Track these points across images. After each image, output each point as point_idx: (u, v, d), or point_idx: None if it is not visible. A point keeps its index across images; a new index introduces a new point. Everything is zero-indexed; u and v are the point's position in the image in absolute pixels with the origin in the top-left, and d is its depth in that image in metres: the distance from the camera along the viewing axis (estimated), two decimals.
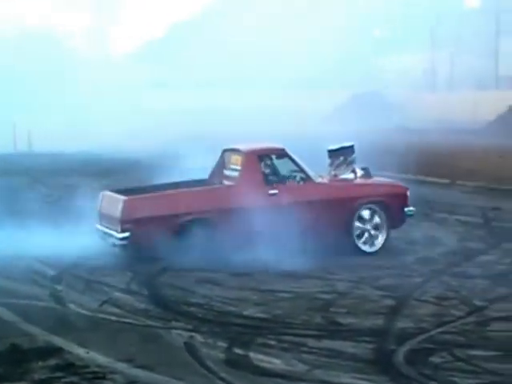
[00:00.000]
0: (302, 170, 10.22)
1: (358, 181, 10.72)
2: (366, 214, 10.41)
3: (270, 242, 9.46)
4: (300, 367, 6.27)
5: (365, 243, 10.39)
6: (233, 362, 6.43)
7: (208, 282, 9.07)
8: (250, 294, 8.63)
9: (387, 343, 6.80)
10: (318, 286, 8.93)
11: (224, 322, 7.57)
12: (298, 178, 10.28)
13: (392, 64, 42.69)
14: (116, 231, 9.55)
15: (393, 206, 10.43)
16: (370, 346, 6.75)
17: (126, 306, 8.13)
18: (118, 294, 8.58)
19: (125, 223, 9.43)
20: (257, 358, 6.51)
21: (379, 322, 7.44)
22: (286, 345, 6.84)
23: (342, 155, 10.72)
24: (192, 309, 8.04)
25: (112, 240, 9.68)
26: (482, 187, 15.79)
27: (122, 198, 9.73)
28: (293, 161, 10.21)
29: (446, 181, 16.73)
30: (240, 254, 9.38)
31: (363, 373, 6.11)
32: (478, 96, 37.71)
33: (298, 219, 9.69)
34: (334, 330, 7.30)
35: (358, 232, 10.33)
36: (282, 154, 10.25)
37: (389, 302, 8.18)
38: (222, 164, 10.59)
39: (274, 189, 10.00)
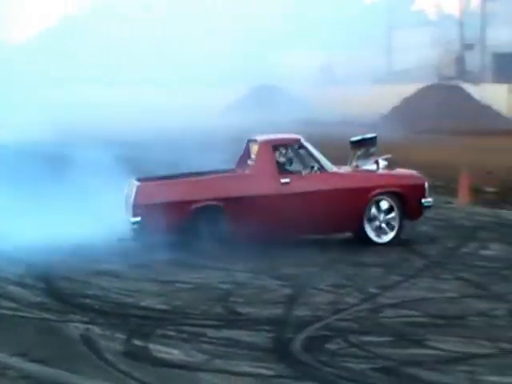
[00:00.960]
0: (316, 160, 10.36)
1: (374, 171, 10.57)
2: (382, 204, 10.26)
3: (279, 230, 9.92)
4: (199, 357, 6.30)
5: (376, 234, 10.27)
6: (131, 354, 6.41)
7: (106, 274, 8.99)
8: (150, 285, 8.61)
9: (285, 331, 6.91)
10: (219, 276, 8.99)
11: (123, 314, 7.53)
12: (314, 168, 10.37)
13: (290, 59, 43.18)
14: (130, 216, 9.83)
15: (409, 198, 10.28)
16: (269, 334, 6.84)
17: (22, 299, 7.97)
18: (12, 288, 8.39)
19: (137, 208, 9.72)
20: (156, 349, 6.51)
21: (278, 311, 7.56)
22: (185, 335, 6.87)
23: (363, 146, 10.70)
24: (89, 301, 7.96)
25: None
26: None
27: (136, 183, 9.99)
28: (307, 151, 10.38)
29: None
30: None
31: (261, 361, 6.19)
32: (374, 90, 38.60)
33: (308, 208, 10.04)
34: (234, 320, 7.37)
35: (370, 222, 10.22)
36: (297, 144, 10.41)
37: (287, 291, 8.31)
38: (246, 153, 10.73)
39: (286, 178, 10.15)
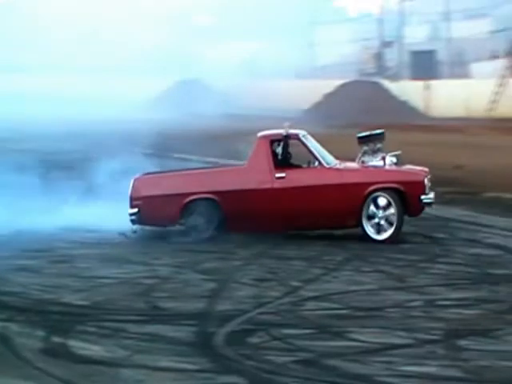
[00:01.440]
0: (313, 155, 10.35)
1: (376, 167, 10.45)
2: (380, 201, 10.12)
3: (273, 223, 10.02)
4: (120, 353, 6.25)
5: (374, 230, 10.14)
6: (51, 351, 6.30)
7: (25, 270, 8.81)
8: (70, 280, 8.48)
9: (208, 326, 6.92)
10: (141, 271, 8.92)
11: (42, 311, 7.39)
12: (314, 164, 10.37)
13: (214, 53, 43.13)
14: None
15: (407, 194, 10.09)
16: (191, 329, 6.83)
17: None
18: None
19: (134, 200, 10.20)
20: (76, 345, 6.41)
21: (200, 305, 7.55)
22: (106, 331, 6.79)
23: (370, 142, 10.57)
24: (7, 298, 7.78)
25: None
26: None
27: (134, 177, 10.44)
28: (305, 146, 10.39)
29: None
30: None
31: (184, 356, 6.18)
32: (296, 85, 38.90)
33: (303, 202, 10.08)
34: (156, 315, 7.33)
35: (369, 219, 10.10)
36: (294, 138, 10.44)
37: (210, 285, 8.31)
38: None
39: (282, 172, 10.17)
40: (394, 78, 39.71)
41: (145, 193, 10.25)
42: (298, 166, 10.55)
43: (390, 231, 10.10)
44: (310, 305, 7.59)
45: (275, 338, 6.55)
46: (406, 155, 11.24)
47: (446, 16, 41.23)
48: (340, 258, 9.59)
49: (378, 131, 10.84)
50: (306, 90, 36.64)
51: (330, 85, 37.71)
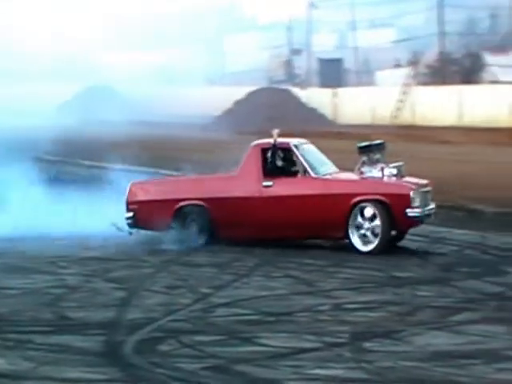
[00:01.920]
0: (301, 165, 10.28)
1: (358, 178, 10.27)
2: (367, 212, 9.91)
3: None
4: (25, 365, 6.12)
5: (360, 242, 9.93)
6: None
7: None
8: None
9: (117, 335, 6.86)
10: (48, 280, 8.77)
11: None
12: (304, 172, 10.26)
13: (126, 59, 42.77)
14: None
15: (392, 206, 9.83)
16: (100, 338, 6.76)
17: None
18: None
19: (130, 204, 10.59)
20: None
21: (110, 314, 7.48)
22: (10, 343, 6.64)
23: (369, 152, 10.36)
24: None
25: None
26: None
27: (130, 182, 10.86)
28: (295, 155, 10.34)
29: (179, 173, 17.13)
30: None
31: (92, 366, 6.11)
32: (207, 92, 38.95)
33: (288, 211, 10.05)
34: (64, 325, 7.22)
35: (354, 230, 9.91)
36: (285, 148, 10.41)
37: (120, 293, 8.24)
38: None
39: (269, 181, 10.15)
40: (303, 85, 40.28)
41: (140, 197, 10.64)
42: (293, 175, 10.44)
43: (375, 243, 9.88)
44: (221, 311, 7.62)
45: (185, 346, 6.55)
46: None
47: (353, 25, 42.10)
48: (251, 264, 9.66)
49: (378, 142, 10.65)
50: (217, 97, 36.75)
51: (241, 92, 37.93)
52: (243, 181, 10.39)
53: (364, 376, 5.85)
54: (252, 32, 48.50)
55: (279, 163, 10.53)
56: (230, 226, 10.27)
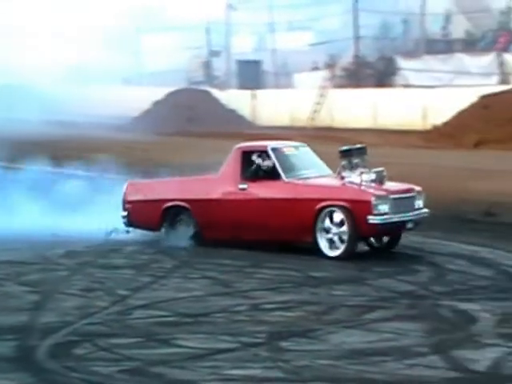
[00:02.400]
0: (274, 168, 10.23)
1: (329, 183, 10.17)
2: (335, 217, 9.79)
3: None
4: None
5: (327, 246, 9.83)
6: None
7: None
8: None
9: (30, 339, 6.72)
10: None
11: None
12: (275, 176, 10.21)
13: (39, 58, 41.92)
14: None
15: (354, 213, 9.72)
16: (12, 343, 6.61)
17: None
18: None
19: (125, 203, 10.99)
20: None
21: (23, 318, 7.33)
22: None
23: (349, 157, 10.16)
24: None
25: None
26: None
27: (128, 181, 11.26)
28: (270, 159, 10.29)
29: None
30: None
31: (4, 372, 5.96)
32: (125, 92, 38.61)
33: (259, 214, 10.13)
34: None
35: (322, 234, 9.81)
36: (263, 151, 10.37)
37: (33, 297, 8.09)
38: None
39: (244, 184, 10.19)
40: (222, 86, 40.32)
41: (133, 197, 10.98)
42: (274, 179, 10.29)
43: (342, 249, 9.80)
44: (138, 313, 7.56)
45: (101, 349, 6.47)
46: None
47: (271, 28, 42.38)
48: (169, 265, 9.63)
49: (358, 146, 10.56)
50: (135, 98, 36.43)
51: (160, 92, 37.70)
52: (222, 183, 10.55)
53: (281, 375, 5.90)
54: (170, 32, 48.26)
55: (262, 167, 10.41)
56: (210, 228, 10.49)
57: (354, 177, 10.11)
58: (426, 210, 10.29)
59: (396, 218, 9.89)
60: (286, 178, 10.26)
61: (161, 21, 48.99)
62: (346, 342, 6.59)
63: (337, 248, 9.84)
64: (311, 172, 10.57)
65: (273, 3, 42.15)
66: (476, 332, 6.90)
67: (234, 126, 32.95)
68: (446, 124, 27.22)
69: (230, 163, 10.61)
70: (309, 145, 11.25)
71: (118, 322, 7.30)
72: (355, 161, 10.21)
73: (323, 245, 9.89)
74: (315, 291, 8.40)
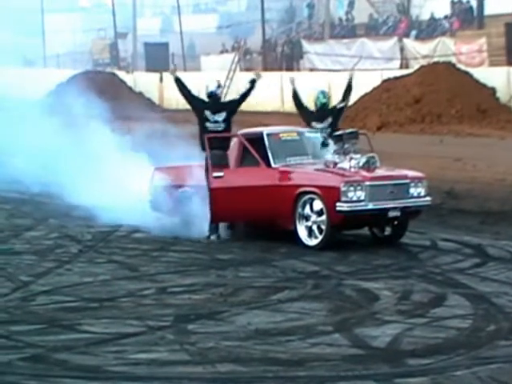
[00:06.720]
0: (253, 156, 9.90)
1: (305, 169, 9.77)
2: (315, 205, 9.38)
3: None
4: None
5: (306, 234, 9.45)
6: None
7: None
8: None
9: None
10: None
11: None
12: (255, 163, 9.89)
13: None
14: None
15: (324, 200, 9.30)
16: None
17: None
18: None
19: (150, 189, 10.93)
20: None
21: None
22: None
23: (341, 141, 9.71)
24: None
25: None
26: None
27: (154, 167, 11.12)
28: (245, 146, 10.05)
29: None
30: None
31: None
32: (26, 73, 37.55)
33: (235, 201, 9.87)
34: None
35: (302, 222, 9.45)
36: (259, 138, 10.13)
37: None
38: None
39: (220, 171, 9.85)
40: (129, 69, 39.78)
41: (156, 183, 10.91)
42: (239, 166, 10.07)
43: (319, 238, 9.42)
44: (41, 299, 7.41)
45: (1, 336, 6.31)
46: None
47: (177, 10, 42.05)
48: (74, 250, 9.47)
49: (350, 130, 10.12)
50: (38, 80, 35.50)
51: (64, 74, 36.87)
52: (202, 171, 10.24)
53: (186, 358, 5.90)
54: (75, 14, 47.21)
55: (252, 152, 9.99)
56: (205, 212, 10.09)
57: (344, 162, 9.70)
58: (426, 199, 9.66)
59: (372, 206, 9.35)
60: (274, 164, 9.91)
61: (65, 1, 47.89)
62: (251, 322, 6.63)
63: (315, 237, 9.46)
64: (306, 158, 10.15)
65: None
66: (377, 310, 7.07)
67: (141, 108, 32.57)
68: (350, 107, 27.63)
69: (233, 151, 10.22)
70: None
71: (20, 308, 7.14)
72: (345, 146, 9.81)
73: (302, 233, 9.52)
74: (222, 273, 8.43)
